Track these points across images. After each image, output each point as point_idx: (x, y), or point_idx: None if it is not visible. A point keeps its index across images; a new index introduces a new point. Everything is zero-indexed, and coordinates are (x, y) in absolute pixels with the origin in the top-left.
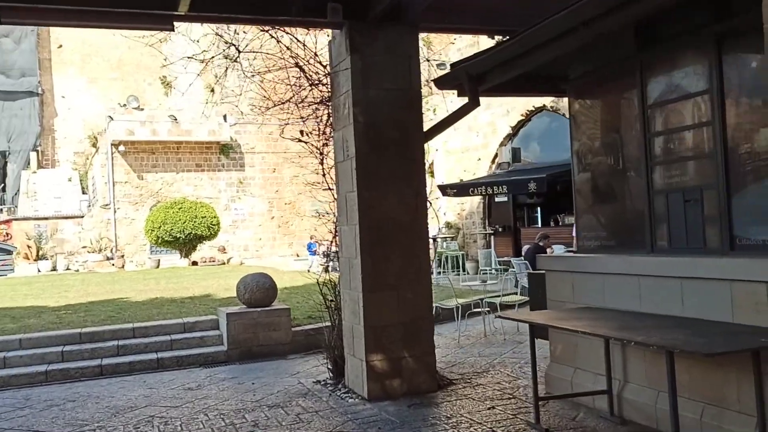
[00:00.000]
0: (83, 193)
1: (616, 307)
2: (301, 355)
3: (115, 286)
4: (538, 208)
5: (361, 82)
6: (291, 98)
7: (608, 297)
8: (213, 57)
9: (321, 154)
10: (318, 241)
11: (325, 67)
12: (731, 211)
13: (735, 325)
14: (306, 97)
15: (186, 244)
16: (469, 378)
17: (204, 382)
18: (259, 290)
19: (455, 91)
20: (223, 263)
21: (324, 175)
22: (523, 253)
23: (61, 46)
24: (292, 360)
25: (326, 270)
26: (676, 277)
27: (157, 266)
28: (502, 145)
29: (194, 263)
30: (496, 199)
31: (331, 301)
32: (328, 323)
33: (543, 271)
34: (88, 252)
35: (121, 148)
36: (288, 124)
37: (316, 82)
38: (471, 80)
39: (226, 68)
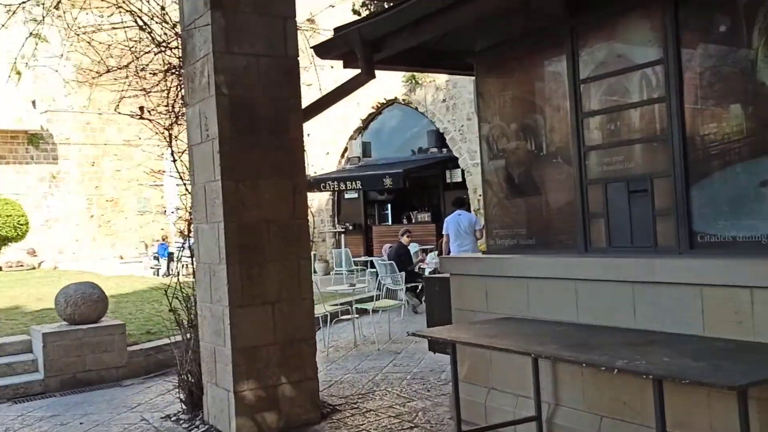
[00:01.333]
0: None
1: (545, 317)
2: (141, 379)
3: None
4: (389, 205)
5: (225, 44)
6: (129, 63)
7: (534, 306)
8: (23, 2)
9: (169, 135)
10: (166, 240)
11: (174, 26)
12: (690, 202)
13: (714, 339)
14: (150, 62)
15: None
16: (354, 402)
17: (14, 425)
18: (85, 303)
19: (334, 63)
20: (34, 268)
21: (174, 161)
22: (384, 252)
23: None
24: (130, 387)
25: (157, 272)
26: (625, 282)
27: None
28: (351, 138)
29: None
30: (346, 196)
31: (173, 311)
32: (174, 339)
33: (444, 275)
34: None
35: None
36: (124, 97)
37: (164, 44)
38: (366, 47)
39: (42, 18)
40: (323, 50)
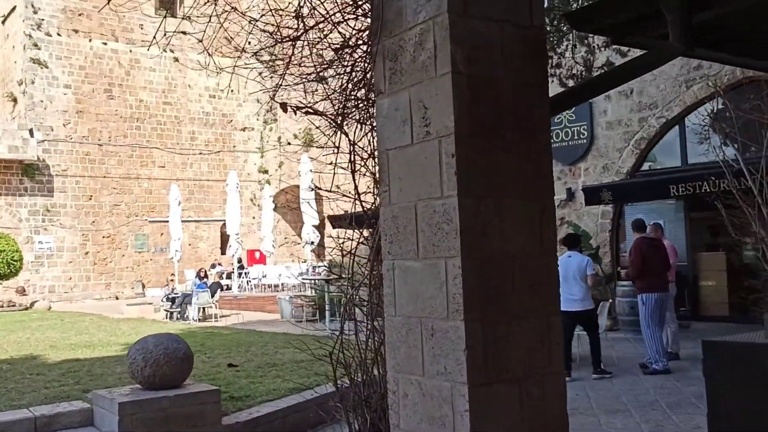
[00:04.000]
0: None
1: None
2: None
3: None
4: None
5: (462, 4)
6: (298, 36)
7: None
8: None
9: (344, 134)
10: (206, 274)
11: None
12: None
13: None
14: (326, 37)
15: None
16: None
17: None
18: (169, 362)
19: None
20: (26, 308)
21: (354, 171)
22: None
23: None
24: None
25: (170, 316)
26: None
27: None
28: None
29: None
30: None
31: (336, 383)
32: (266, 403)
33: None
34: None
35: None
36: (279, 86)
37: (349, 11)
38: (684, 2)
39: None
40: (588, 15)
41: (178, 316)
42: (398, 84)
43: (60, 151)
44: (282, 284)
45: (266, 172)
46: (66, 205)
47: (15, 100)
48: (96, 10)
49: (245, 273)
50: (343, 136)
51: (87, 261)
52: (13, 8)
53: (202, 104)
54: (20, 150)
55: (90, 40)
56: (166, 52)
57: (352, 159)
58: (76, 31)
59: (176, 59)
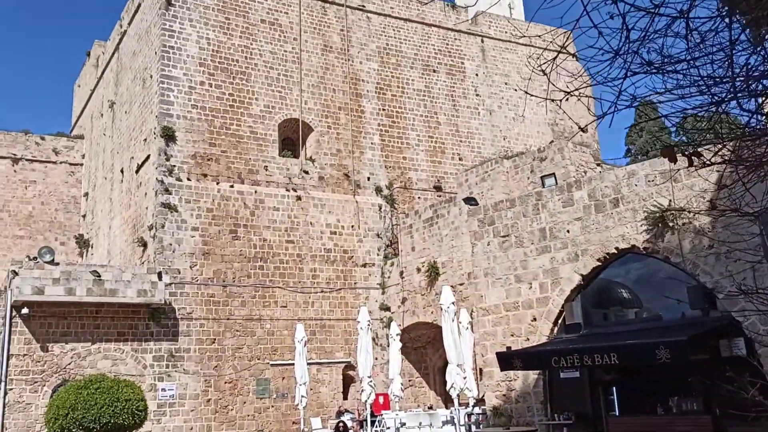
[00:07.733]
0: None
1: None
2: None
3: None
4: (614, 389)
5: None
6: None
7: None
8: None
9: None
10: (345, 428)
11: None
12: None
13: None
14: None
15: None
16: None
17: None
18: None
19: None
20: None
21: None
22: None
23: None
24: None
25: None
26: None
27: None
28: (568, 300)
29: None
30: (562, 375)
31: None
32: None
33: None
34: None
35: (25, 310)
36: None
37: None
38: None
39: None
40: None
41: None
42: None
43: (186, 293)
44: None
45: (388, 309)
46: (189, 349)
47: (145, 245)
48: (224, 155)
49: (377, 421)
50: None
51: (208, 409)
52: (147, 157)
53: (324, 241)
54: (148, 294)
55: (217, 183)
56: (289, 191)
57: None
58: (205, 175)
59: (299, 198)
